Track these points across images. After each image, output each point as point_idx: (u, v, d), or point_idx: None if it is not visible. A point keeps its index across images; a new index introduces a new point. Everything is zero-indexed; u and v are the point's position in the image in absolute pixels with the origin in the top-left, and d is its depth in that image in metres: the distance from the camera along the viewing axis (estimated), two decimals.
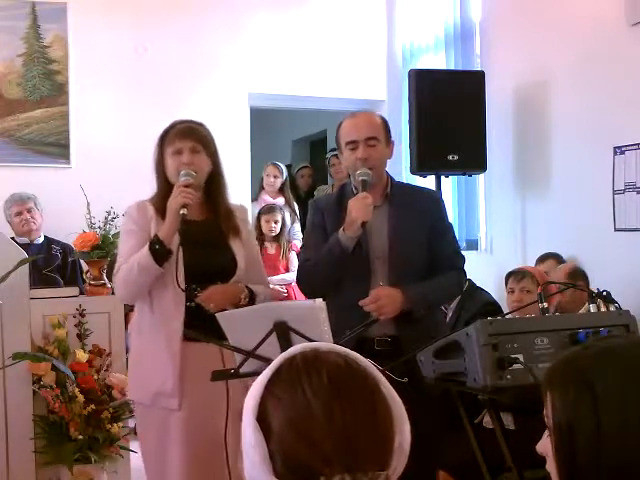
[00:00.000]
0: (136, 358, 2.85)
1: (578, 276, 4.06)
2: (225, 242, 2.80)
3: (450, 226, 3.04)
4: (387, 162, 2.95)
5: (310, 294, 2.97)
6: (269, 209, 5.70)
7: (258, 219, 5.69)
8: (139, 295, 2.77)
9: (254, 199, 6.16)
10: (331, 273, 2.81)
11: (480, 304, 4.13)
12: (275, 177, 6.08)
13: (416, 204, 2.90)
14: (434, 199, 3.04)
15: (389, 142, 2.91)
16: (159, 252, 2.64)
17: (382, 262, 2.82)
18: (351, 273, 2.78)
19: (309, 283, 2.94)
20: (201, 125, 2.86)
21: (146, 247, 2.66)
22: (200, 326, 2.60)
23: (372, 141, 2.82)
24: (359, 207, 2.68)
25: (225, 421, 2.61)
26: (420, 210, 2.88)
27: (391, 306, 2.71)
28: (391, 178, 2.97)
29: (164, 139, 2.79)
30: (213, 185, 2.83)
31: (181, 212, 2.63)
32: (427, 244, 2.87)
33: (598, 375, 1.08)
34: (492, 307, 4.09)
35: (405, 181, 5.99)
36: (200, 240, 2.73)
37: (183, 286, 2.66)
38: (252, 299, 2.77)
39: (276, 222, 5.64)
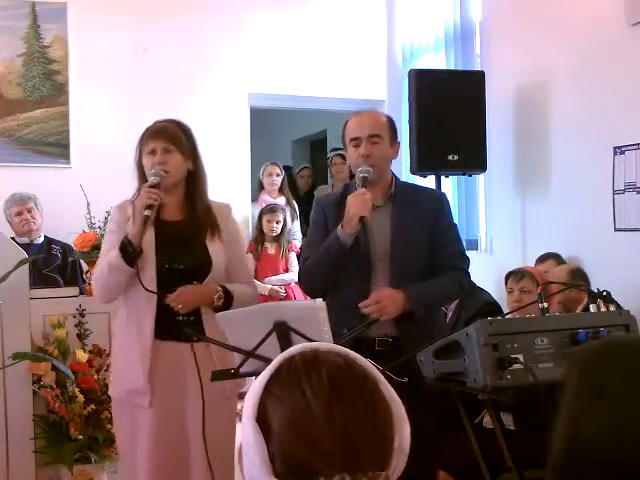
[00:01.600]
0: (114, 356, 2.92)
1: (579, 277, 4.06)
2: (201, 241, 2.79)
3: (453, 226, 3.02)
4: (391, 162, 2.95)
5: (310, 292, 2.97)
6: (271, 209, 5.71)
7: (259, 219, 5.70)
8: (113, 294, 2.80)
9: (254, 200, 6.16)
10: (329, 270, 2.81)
11: (480, 304, 4.12)
12: (277, 175, 6.10)
13: (419, 204, 2.89)
14: (437, 198, 3.02)
15: (394, 142, 2.91)
16: (128, 252, 2.66)
17: (384, 262, 2.82)
18: (352, 272, 2.78)
19: (309, 281, 2.94)
20: (177, 124, 2.85)
21: (116, 247, 2.69)
22: (172, 326, 2.66)
23: (375, 138, 2.82)
24: (357, 203, 2.68)
25: (202, 417, 2.63)
26: (423, 210, 2.88)
27: (393, 307, 2.71)
28: (396, 178, 2.97)
29: (142, 140, 2.82)
30: (192, 184, 2.84)
31: (145, 213, 2.65)
32: (429, 244, 2.86)
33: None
34: (492, 307, 4.08)
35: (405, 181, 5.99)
36: (174, 240, 2.74)
37: (154, 287, 2.68)
38: (228, 299, 2.75)
39: (277, 222, 5.64)
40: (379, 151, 2.83)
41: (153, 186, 2.69)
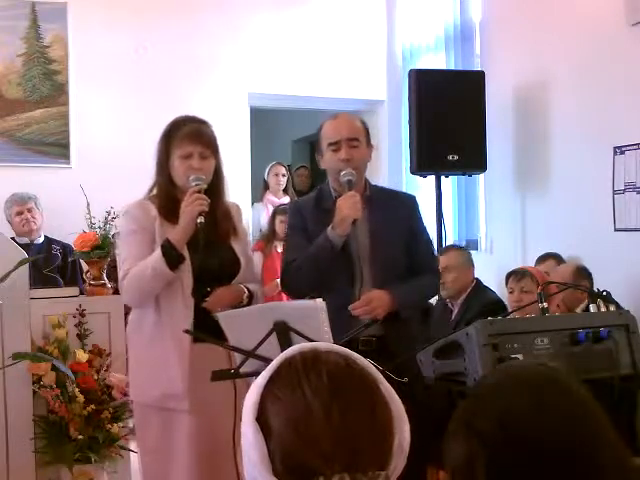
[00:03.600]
0: (139, 359, 2.81)
1: (583, 276, 4.05)
2: (227, 243, 2.82)
3: (425, 229, 3.09)
4: (368, 165, 2.98)
5: (295, 294, 2.97)
6: (285, 210, 5.71)
7: (273, 217, 5.69)
8: (149, 299, 2.71)
9: (259, 199, 6.16)
10: (318, 272, 2.82)
11: (484, 302, 4.12)
12: (283, 175, 6.11)
13: (394, 207, 2.94)
14: (412, 202, 3.06)
15: (369, 145, 2.94)
16: (173, 258, 2.62)
17: (366, 264, 2.85)
18: (337, 275, 2.81)
19: (296, 283, 2.92)
20: (207, 125, 2.82)
21: (158, 252, 2.63)
22: (209, 327, 2.59)
23: (354, 142, 2.84)
24: (349, 205, 2.71)
25: (234, 420, 2.60)
26: (398, 213, 2.93)
27: (382, 309, 2.75)
28: (368, 182, 3.01)
29: (171, 138, 2.75)
30: (215, 186, 2.81)
31: (198, 221, 2.62)
32: (406, 246, 2.91)
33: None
34: (496, 306, 4.07)
35: (405, 181, 6.01)
36: (203, 242, 2.71)
37: (190, 290, 2.66)
38: (250, 299, 2.79)
39: None
40: (359, 155, 2.86)
41: (199, 192, 2.66)
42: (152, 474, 2.79)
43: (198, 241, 2.68)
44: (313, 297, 2.63)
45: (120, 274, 2.74)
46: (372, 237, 2.85)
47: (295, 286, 2.95)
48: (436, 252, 3.22)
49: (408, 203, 3.04)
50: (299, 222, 2.95)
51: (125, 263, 2.72)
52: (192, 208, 2.63)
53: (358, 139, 2.85)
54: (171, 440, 2.70)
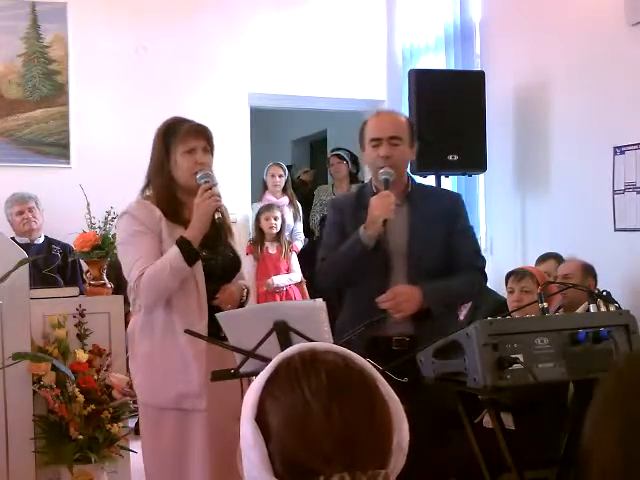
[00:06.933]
0: (150, 361, 2.74)
1: (590, 274, 4.02)
2: (226, 241, 2.84)
3: (471, 227, 3.07)
4: (409, 163, 3.00)
5: (324, 291, 2.99)
6: (267, 207, 5.71)
7: (257, 218, 5.69)
8: (165, 297, 2.68)
9: (258, 200, 6.17)
10: (349, 271, 2.84)
11: (496, 303, 4.10)
12: (280, 176, 6.11)
13: (435, 204, 2.93)
14: (454, 199, 3.06)
15: (413, 143, 2.94)
16: (191, 254, 2.62)
17: (401, 260, 2.85)
18: (371, 271, 2.80)
19: (325, 281, 2.96)
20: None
21: (175, 249, 2.62)
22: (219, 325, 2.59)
23: (395, 140, 2.85)
24: (381, 205, 2.71)
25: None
26: (439, 210, 2.92)
27: (409, 303, 2.74)
28: (412, 179, 3.01)
29: (171, 136, 2.74)
30: None
31: (217, 217, 2.64)
32: (446, 243, 2.89)
33: None
34: (505, 307, 4.05)
35: None
36: (207, 239, 2.72)
37: (203, 287, 2.67)
38: (247, 295, 2.85)
39: (275, 219, 5.61)
40: (399, 153, 2.86)
41: (210, 188, 2.67)
42: (163, 476, 2.76)
43: (208, 238, 2.70)
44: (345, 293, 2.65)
45: (134, 273, 2.65)
46: (410, 233, 2.85)
47: (324, 284, 2.98)
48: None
49: (451, 201, 3.02)
50: (337, 219, 2.96)
51: (138, 262, 2.66)
52: (208, 204, 2.64)
53: (400, 137, 2.85)
54: (186, 441, 2.69)
